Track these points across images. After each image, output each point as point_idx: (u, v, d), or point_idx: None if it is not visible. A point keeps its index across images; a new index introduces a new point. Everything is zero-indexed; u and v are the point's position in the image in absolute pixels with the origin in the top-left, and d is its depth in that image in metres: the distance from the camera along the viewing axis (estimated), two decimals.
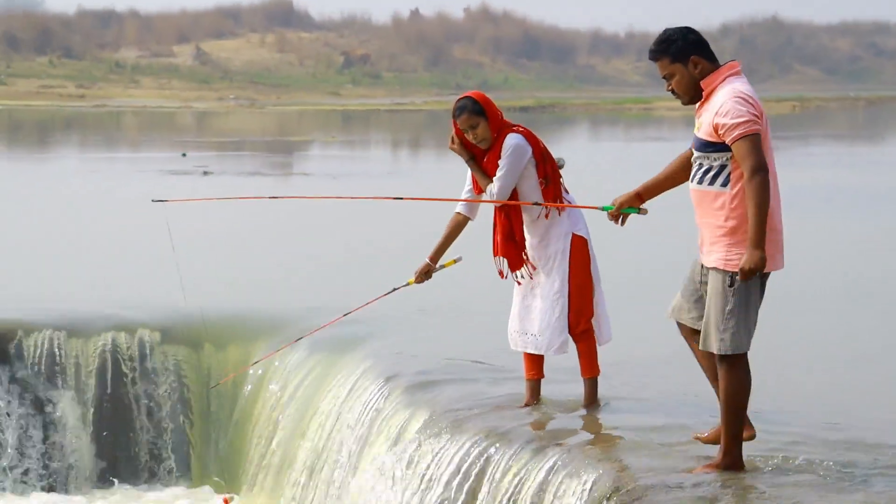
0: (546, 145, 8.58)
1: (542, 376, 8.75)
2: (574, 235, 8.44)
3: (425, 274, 8.88)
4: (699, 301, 7.04)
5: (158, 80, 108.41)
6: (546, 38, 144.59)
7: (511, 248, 8.55)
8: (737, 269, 6.69)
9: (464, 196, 8.71)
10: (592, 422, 8.39)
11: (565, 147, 39.87)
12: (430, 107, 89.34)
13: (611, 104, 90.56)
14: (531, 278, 8.53)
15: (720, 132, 6.69)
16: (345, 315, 9.79)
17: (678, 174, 7.20)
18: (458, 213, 8.73)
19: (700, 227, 6.93)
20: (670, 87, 6.92)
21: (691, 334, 7.14)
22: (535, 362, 8.70)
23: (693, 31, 6.91)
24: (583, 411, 8.60)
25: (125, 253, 17.38)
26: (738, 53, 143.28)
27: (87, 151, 43.98)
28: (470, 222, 8.77)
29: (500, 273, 8.64)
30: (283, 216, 21.38)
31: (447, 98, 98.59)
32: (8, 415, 11.70)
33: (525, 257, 8.53)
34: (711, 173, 6.79)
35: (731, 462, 7.02)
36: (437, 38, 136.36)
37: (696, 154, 6.89)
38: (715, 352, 6.82)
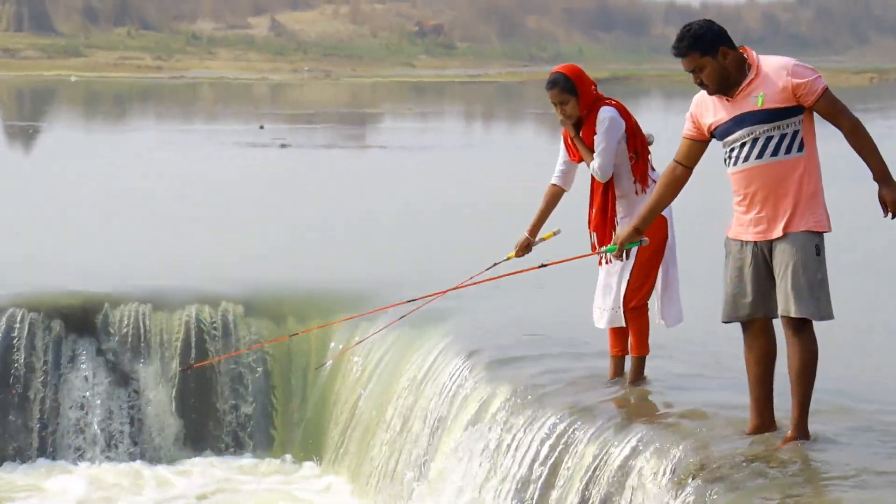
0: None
1: (626, 352, 8.74)
2: None
3: (525, 247, 8.83)
4: (762, 284, 7.02)
5: (234, 51, 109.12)
6: (621, 9, 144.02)
7: (602, 223, 8.53)
8: (825, 230, 6.91)
9: (558, 168, 8.69)
10: (674, 398, 8.38)
11: (642, 120, 39.49)
12: (504, 78, 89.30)
13: (685, 76, 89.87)
14: (604, 262, 8.52)
15: (801, 91, 6.84)
16: (451, 290, 9.70)
17: (666, 198, 7.34)
18: (553, 183, 8.71)
19: (763, 203, 6.94)
20: (699, 80, 7.03)
21: (762, 330, 7.09)
22: (619, 338, 8.70)
23: (713, 22, 7.08)
24: (663, 387, 8.59)
25: (208, 226, 17.55)
26: (815, 24, 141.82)
27: (166, 123, 44.35)
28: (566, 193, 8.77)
29: (593, 247, 8.62)
30: (362, 193, 21.49)
31: (521, 69, 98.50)
32: (94, 386, 11.87)
33: (613, 235, 8.51)
34: (786, 142, 6.90)
35: (801, 433, 7.06)
36: (511, 8, 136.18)
37: (762, 127, 6.91)
38: (816, 319, 6.89)
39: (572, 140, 8.58)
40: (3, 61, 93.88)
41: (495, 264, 9.01)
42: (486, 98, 70.01)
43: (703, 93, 7.13)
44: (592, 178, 8.53)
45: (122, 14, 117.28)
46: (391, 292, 12.03)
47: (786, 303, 6.90)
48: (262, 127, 38.31)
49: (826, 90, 6.87)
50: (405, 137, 36.71)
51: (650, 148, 8.54)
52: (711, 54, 6.96)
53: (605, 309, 8.55)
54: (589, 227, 8.62)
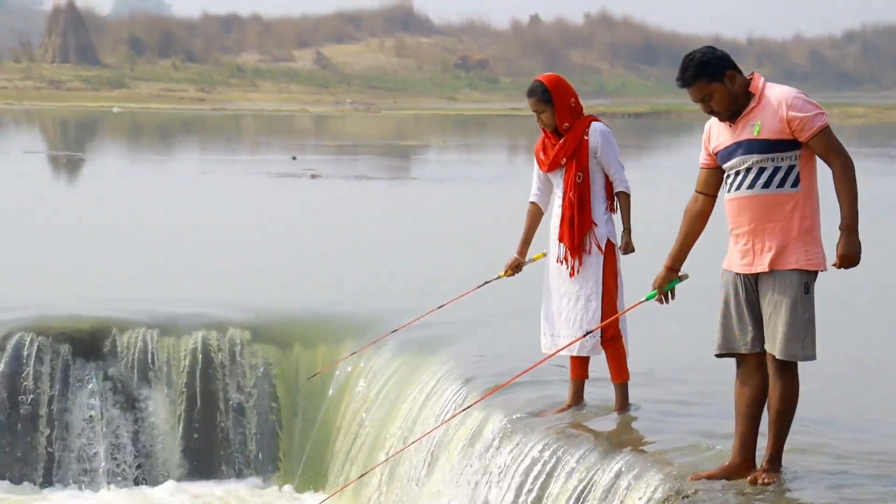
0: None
1: (587, 377, 8.82)
2: (609, 241, 8.48)
3: (515, 268, 8.91)
4: (758, 317, 6.95)
5: (278, 83, 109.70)
6: (665, 43, 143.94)
7: (570, 234, 8.48)
8: (818, 269, 6.77)
9: (535, 186, 8.71)
10: (658, 426, 8.41)
11: (678, 154, 39.69)
12: None
13: None
14: (575, 272, 8.50)
15: (795, 126, 6.72)
16: (439, 308, 9.90)
17: (695, 230, 7.17)
18: (533, 202, 8.74)
19: (751, 235, 6.86)
20: (709, 108, 6.89)
21: (758, 366, 6.96)
22: (583, 363, 8.76)
23: (715, 48, 6.95)
24: (648, 415, 8.64)
25: (218, 253, 17.66)
26: (861, 60, 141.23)
27: (202, 154, 44.61)
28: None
29: (559, 260, 8.59)
30: (379, 221, 21.55)
31: None
32: (101, 410, 11.93)
33: (584, 246, 8.47)
34: (780, 175, 6.79)
35: (774, 467, 7.01)
36: (555, 43, 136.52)
37: (755, 157, 6.81)
38: (800, 360, 6.80)
39: (543, 150, 8.60)
40: (48, 92, 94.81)
41: (486, 282, 9.25)
42: (528, 131, 70.03)
43: (714, 118, 7.04)
44: (565, 190, 8.50)
45: (167, 46, 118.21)
46: (397, 318, 12.08)
47: (772, 342, 6.82)
48: (294, 158, 38.47)
49: (824, 129, 6.72)
50: (436, 169, 36.81)
51: None
52: (719, 80, 6.83)
53: (584, 338, 8.49)
54: (559, 239, 8.56)
